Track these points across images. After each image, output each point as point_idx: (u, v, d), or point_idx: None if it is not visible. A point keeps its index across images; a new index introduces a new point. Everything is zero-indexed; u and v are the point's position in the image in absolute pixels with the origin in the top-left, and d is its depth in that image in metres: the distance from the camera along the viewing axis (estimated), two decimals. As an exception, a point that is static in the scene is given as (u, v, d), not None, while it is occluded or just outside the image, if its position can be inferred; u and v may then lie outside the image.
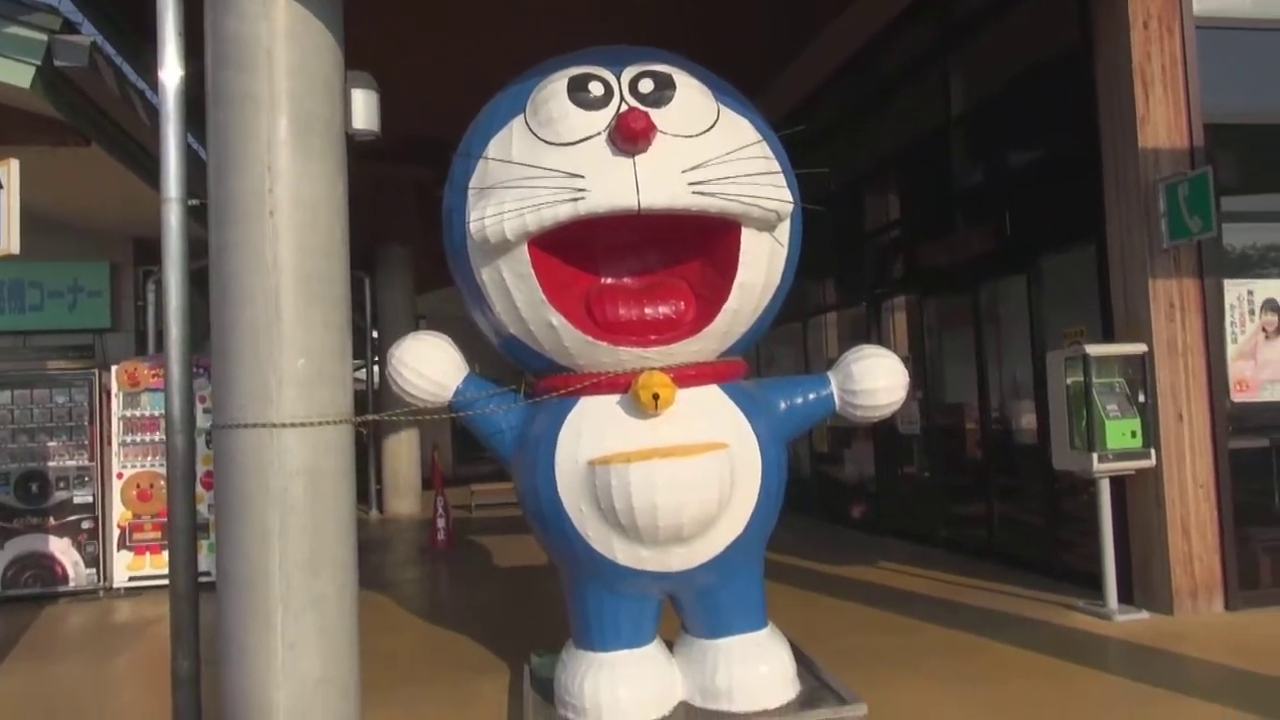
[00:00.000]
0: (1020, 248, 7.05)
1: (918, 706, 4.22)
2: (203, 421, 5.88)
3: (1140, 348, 5.63)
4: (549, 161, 3.53)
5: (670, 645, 4.24)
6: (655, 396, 3.63)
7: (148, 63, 6.90)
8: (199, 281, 3.75)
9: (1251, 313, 5.78)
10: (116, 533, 7.93)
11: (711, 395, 3.89)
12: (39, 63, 5.34)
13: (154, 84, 5.21)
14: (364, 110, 3.90)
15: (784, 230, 3.84)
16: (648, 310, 3.77)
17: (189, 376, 3.94)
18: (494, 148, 3.73)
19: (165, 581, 4.43)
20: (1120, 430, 5.56)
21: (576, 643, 4.13)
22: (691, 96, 3.75)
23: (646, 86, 3.71)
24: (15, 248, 4.42)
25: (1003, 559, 7.24)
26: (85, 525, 7.90)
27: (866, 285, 9.66)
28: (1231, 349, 5.73)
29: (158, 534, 7.76)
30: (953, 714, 4.14)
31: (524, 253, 3.57)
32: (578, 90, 3.68)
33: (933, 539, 8.30)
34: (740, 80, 4.17)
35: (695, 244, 3.80)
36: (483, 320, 4.06)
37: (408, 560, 9.68)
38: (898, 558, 7.80)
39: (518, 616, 6.48)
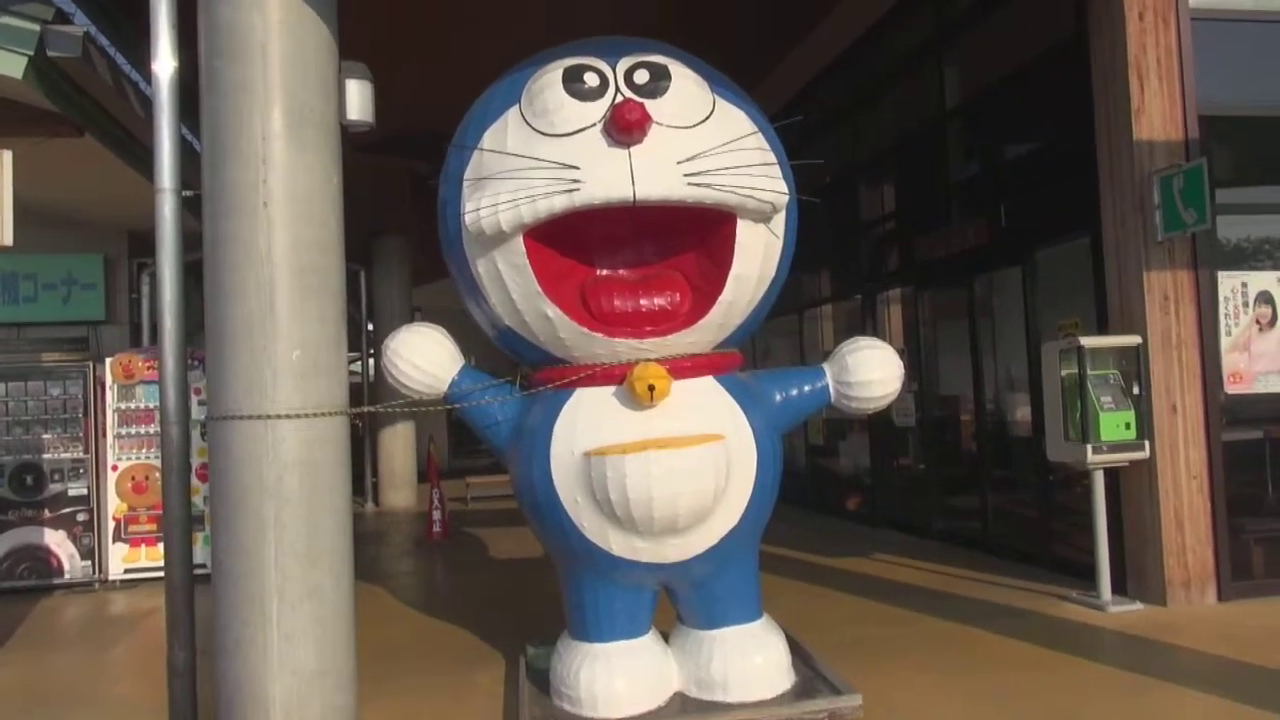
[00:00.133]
0: (1015, 240, 7.05)
1: (912, 697, 4.24)
2: (198, 413, 5.88)
3: (1135, 340, 5.64)
4: (544, 152, 3.53)
5: (666, 636, 4.26)
6: (651, 388, 3.64)
7: (141, 53, 6.86)
8: (194, 274, 3.75)
9: (1245, 305, 5.79)
10: (112, 525, 7.92)
11: (707, 387, 3.90)
12: (31, 53, 5.31)
13: (148, 75, 5.19)
14: (358, 101, 3.89)
15: (779, 222, 3.84)
16: (643, 302, 3.77)
17: (184, 369, 3.94)
18: (489, 139, 3.72)
19: (161, 573, 4.44)
20: (1114, 422, 5.58)
21: (572, 634, 4.14)
22: (687, 87, 3.74)
23: (642, 77, 3.70)
24: (8, 240, 4.41)
25: (997, 550, 7.27)
26: (80, 517, 7.89)
27: (862, 277, 9.67)
28: (1225, 341, 5.74)
29: (153, 526, 7.75)
30: (947, 704, 4.16)
31: (519, 244, 3.57)
32: (573, 81, 3.67)
33: (927, 531, 8.32)
34: (736, 71, 4.16)
35: (691, 235, 3.80)
36: (478, 312, 4.06)
37: (403, 552, 9.68)
38: (892, 549, 7.82)
39: (513, 608, 6.49)
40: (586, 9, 6.75)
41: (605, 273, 3.94)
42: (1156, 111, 5.65)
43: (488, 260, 3.70)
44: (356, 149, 6.16)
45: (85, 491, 7.94)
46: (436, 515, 10.08)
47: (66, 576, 7.82)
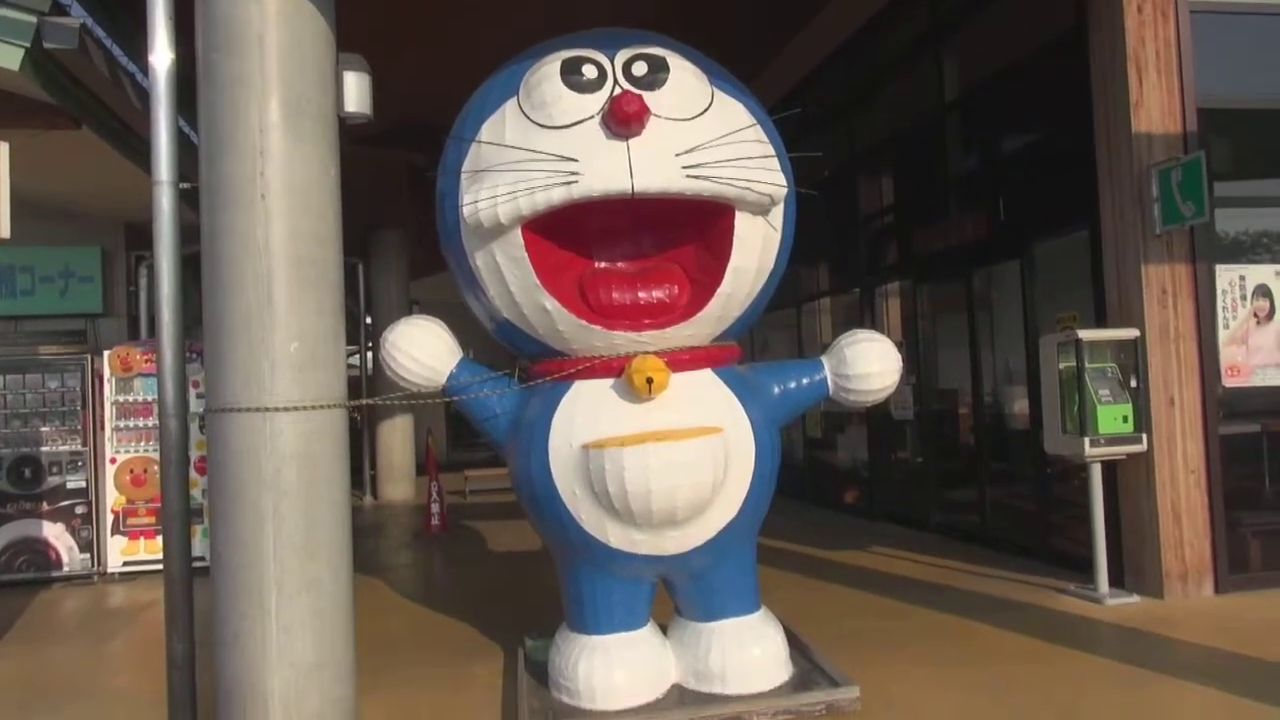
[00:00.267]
0: (1014, 233, 7.05)
1: (910, 689, 4.25)
2: (196, 406, 5.88)
3: (1132, 333, 5.64)
4: (542, 145, 3.52)
5: (664, 628, 4.27)
6: (649, 380, 3.64)
7: (138, 46, 6.85)
8: (191, 266, 3.74)
9: (1243, 298, 5.79)
10: (110, 518, 7.92)
11: (705, 379, 3.90)
12: (28, 44, 5.29)
13: (144, 67, 5.18)
14: (356, 93, 3.87)
15: (778, 214, 3.84)
16: (641, 294, 3.77)
17: (182, 361, 3.93)
18: (487, 131, 3.71)
19: (159, 566, 4.43)
20: (1112, 415, 5.58)
21: (570, 626, 4.15)
22: (685, 80, 3.74)
23: (640, 69, 3.69)
24: (6, 232, 4.39)
25: (994, 543, 7.28)
26: (79, 510, 7.89)
27: (860, 271, 9.66)
28: (1223, 334, 5.75)
29: (151, 519, 7.75)
30: (944, 696, 4.17)
31: (517, 236, 3.57)
32: (571, 73, 3.66)
33: (925, 524, 8.33)
34: (734, 64, 4.16)
35: (689, 228, 3.80)
36: (476, 305, 4.06)
37: (402, 545, 9.68)
38: (890, 542, 7.83)
39: (512, 600, 6.50)
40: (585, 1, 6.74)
41: (603, 265, 3.94)
42: (1155, 104, 5.65)
43: (486, 253, 3.69)
44: (354, 141, 6.14)
45: (84, 484, 7.94)
46: (435, 508, 10.09)
47: (65, 569, 7.82)
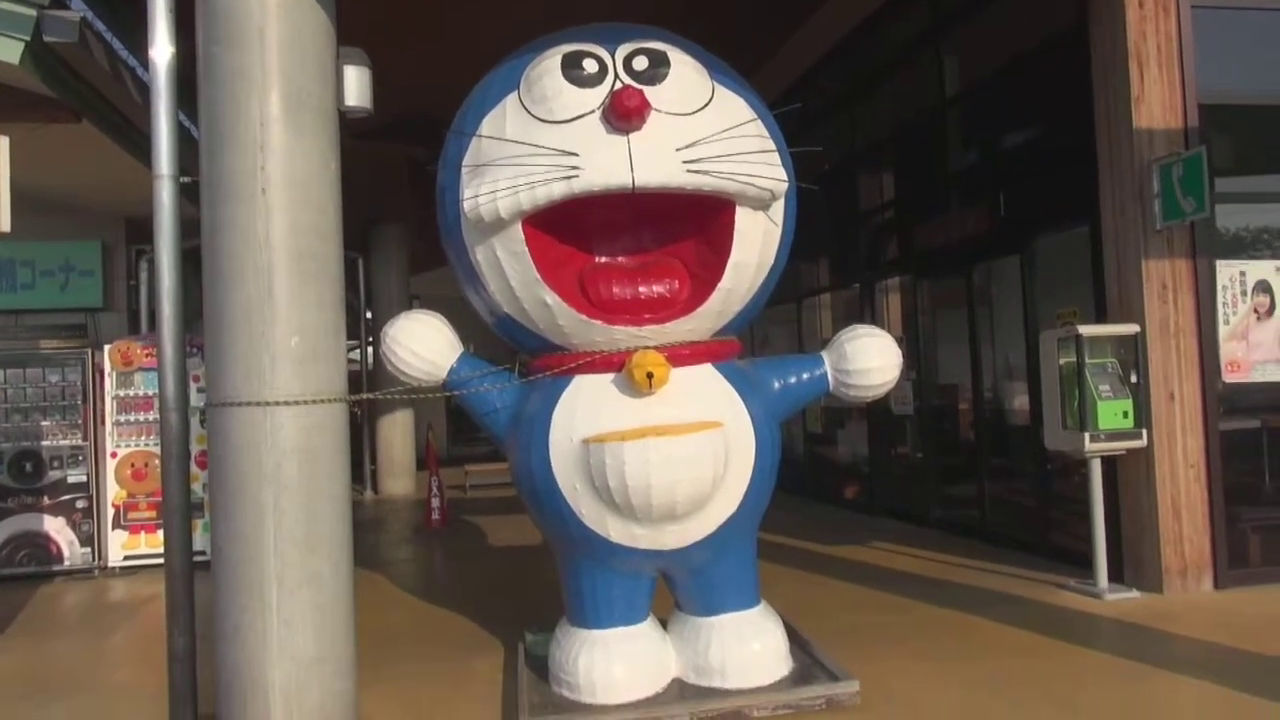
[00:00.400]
0: (1014, 229, 7.04)
1: (909, 684, 4.25)
2: (197, 400, 5.88)
3: (1133, 328, 5.64)
4: (543, 139, 3.52)
5: (664, 623, 4.27)
6: (649, 375, 3.64)
7: (139, 39, 6.83)
8: (192, 260, 3.74)
9: (1244, 294, 5.79)
10: (111, 512, 7.93)
11: (705, 374, 3.90)
12: (28, 38, 5.28)
13: (145, 60, 5.17)
14: (356, 87, 3.87)
15: (779, 209, 3.84)
16: (642, 289, 3.77)
17: (182, 355, 3.93)
18: (487, 125, 3.71)
19: (160, 560, 4.45)
20: (1112, 410, 5.58)
21: (571, 620, 4.16)
22: (686, 74, 3.73)
23: (641, 64, 3.69)
24: (6, 226, 4.39)
25: (994, 538, 7.29)
26: (80, 504, 7.90)
27: (861, 266, 9.66)
28: (1223, 330, 5.75)
29: (152, 513, 7.75)
30: (944, 691, 4.18)
31: (518, 231, 3.56)
32: (572, 67, 3.66)
33: (925, 519, 8.34)
34: (735, 58, 4.15)
35: (690, 223, 3.80)
36: (477, 299, 4.06)
37: (402, 540, 9.70)
38: (890, 537, 7.84)
39: (512, 595, 6.51)
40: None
41: (604, 260, 3.94)
42: (1156, 100, 5.64)
43: (486, 247, 3.69)
44: (354, 136, 6.14)
45: (84, 478, 7.94)
46: (435, 503, 10.09)
47: (66, 563, 7.83)
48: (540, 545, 6.31)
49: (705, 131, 3.56)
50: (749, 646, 4.04)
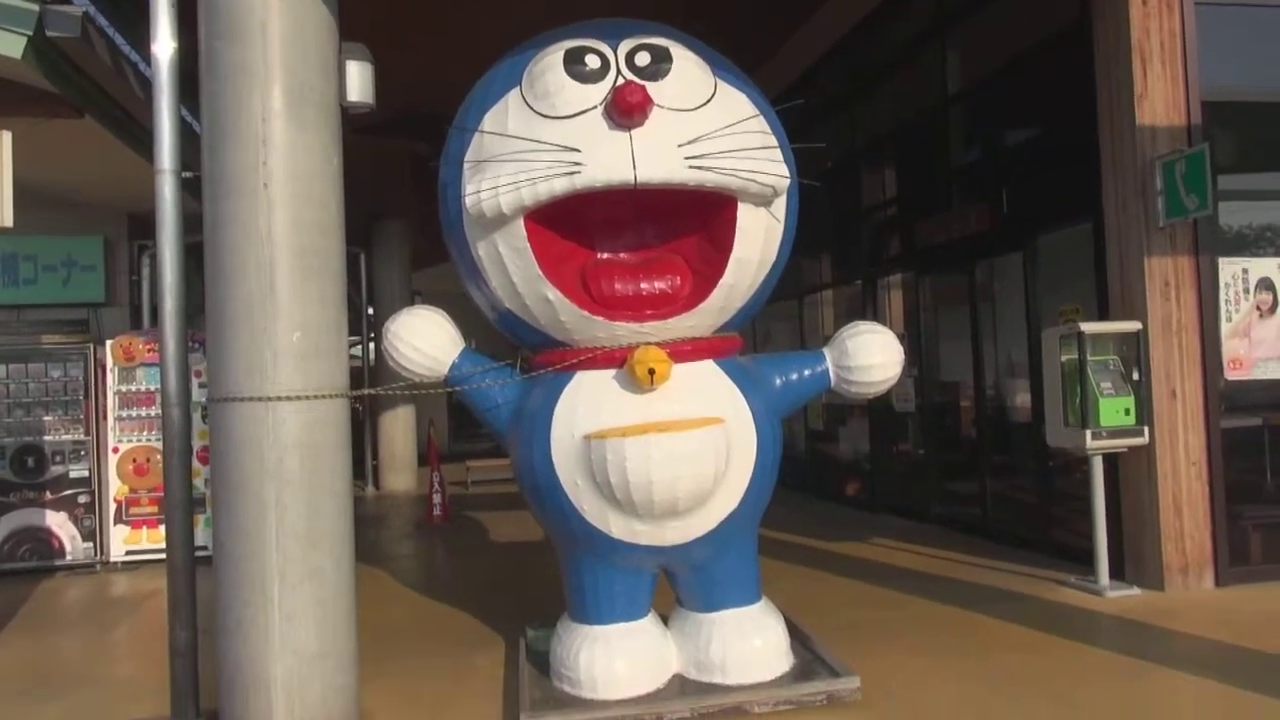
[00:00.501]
0: (1017, 226, 7.04)
1: (910, 679, 4.26)
2: (198, 396, 5.88)
3: (1135, 325, 5.63)
4: (545, 135, 3.52)
5: (665, 619, 4.28)
6: (651, 371, 3.64)
7: (141, 34, 6.83)
8: (194, 255, 3.74)
9: (1246, 291, 5.78)
10: (113, 507, 7.94)
11: (707, 370, 3.90)
12: (30, 33, 5.28)
13: (147, 56, 5.17)
14: (358, 82, 3.87)
15: (780, 206, 3.84)
16: (644, 285, 3.76)
17: (184, 351, 3.94)
18: (489, 121, 3.71)
19: (162, 556, 4.45)
20: (1114, 408, 5.58)
21: (572, 616, 4.16)
22: (688, 70, 3.73)
23: (643, 60, 3.68)
24: (8, 221, 4.40)
25: (996, 535, 7.29)
26: (82, 499, 7.91)
27: (863, 262, 9.65)
28: (1226, 327, 5.74)
29: (154, 508, 7.77)
30: (944, 686, 4.18)
31: (520, 227, 3.56)
32: (574, 63, 3.66)
33: (926, 516, 8.34)
34: (737, 54, 4.14)
35: (692, 219, 3.80)
36: (479, 295, 4.06)
37: (404, 535, 9.71)
38: (892, 534, 7.84)
39: (513, 590, 6.52)
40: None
41: (606, 256, 3.94)
42: (1159, 96, 5.63)
43: (488, 243, 3.69)
44: (356, 131, 6.13)
45: (86, 473, 7.96)
46: (437, 499, 10.10)
47: (68, 558, 7.84)
48: (542, 541, 6.31)
49: (707, 127, 3.55)
50: (750, 642, 4.04)
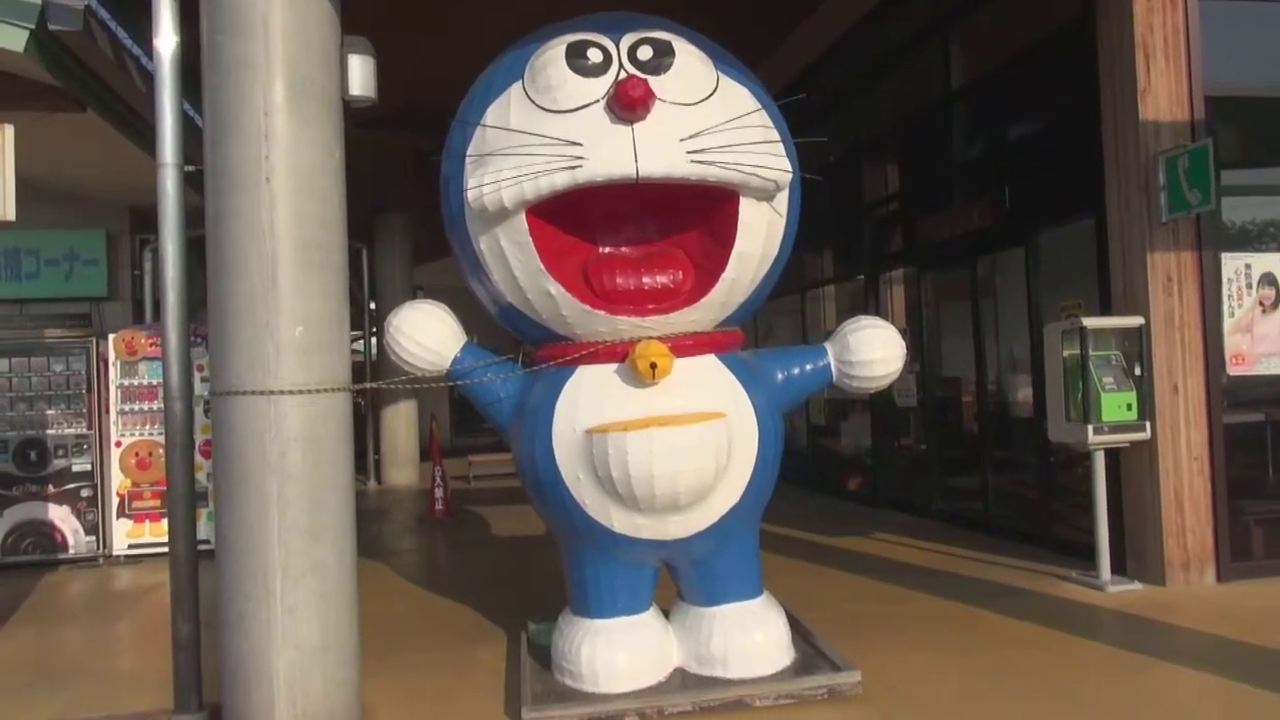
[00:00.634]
0: (1019, 221, 7.03)
1: (911, 674, 4.26)
2: (201, 389, 5.89)
3: (1137, 321, 5.63)
4: (547, 129, 3.51)
5: (666, 613, 4.28)
6: (653, 366, 3.64)
7: (143, 28, 6.83)
8: (196, 249, 3.74)
9: (1249, 286, 5.78)
10: (116, 501, 7.96)
11: (709, 365, 3.90)
12: (33, 26, 5.28)
13: (149, 50, 5.16)
14: (361, 76, 3.87)
15: (783, 200, 3.83)
16: (645, 279, 3.77)
17: (186, 344, 3.94)
18: (492, 115, 3.71)
19: (164, 549, 4.45)
20: (1116, 403, 5.58)
21: (573, 610, 4.17)
22: (690, 64, 3.72)
23: (645, 54, 3.68)
24: (11, 214, 4.40)
25: (997, 530, 7.29)
26: (84, 493, 7.93)
27: (865, 258, 9.65)
28: (1228, 322, 5.73)
29: (157, 502, 7.80)
30: (946, 681, 4.19)
31: (522, 221, 3.56)
32: (576, 57, 3.65)
33: (928, 511, 8.34)
34: (739, 49, 4.14)
35: (693, 213, 3.79)
36: (480, 289, 4.06)
37: (406, 530, 9.72)
38: (893, 529, 7.85)
39: (515, 584, 6.53)
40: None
41: (608, 250, 3.94)
42: (1163, 92, 5.62)
43: (490, 237, 3.69)
44: (359, 125, 6.14)
45: (89, 467, 7.98)
46: (439, 493, 10.12)
47: (71, 552, 7.86)
48: (543, 535, 6.32)
49: (709, 122, 3.55)
50: (751, 636, 4.05)
